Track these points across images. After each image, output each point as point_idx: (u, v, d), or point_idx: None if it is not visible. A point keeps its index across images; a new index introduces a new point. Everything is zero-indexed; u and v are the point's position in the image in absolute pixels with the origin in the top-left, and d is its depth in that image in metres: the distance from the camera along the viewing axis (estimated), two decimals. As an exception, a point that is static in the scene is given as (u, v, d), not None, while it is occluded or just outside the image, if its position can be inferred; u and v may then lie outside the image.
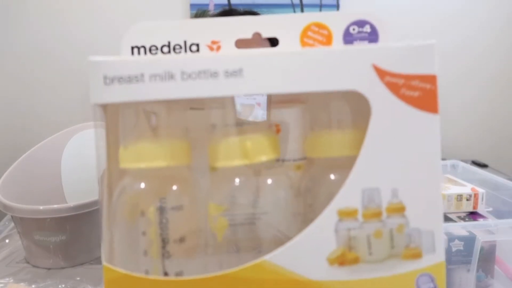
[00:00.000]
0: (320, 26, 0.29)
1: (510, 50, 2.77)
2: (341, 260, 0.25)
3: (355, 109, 0.27)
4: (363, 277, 0.25)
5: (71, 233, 1.26)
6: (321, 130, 0.28)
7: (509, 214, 1.13)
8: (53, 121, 2.57)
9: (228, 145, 0.26)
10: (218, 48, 0.28)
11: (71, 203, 1.24)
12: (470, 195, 1.10)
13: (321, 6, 2.61)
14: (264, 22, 0.29)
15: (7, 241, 1.45)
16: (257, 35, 0.29)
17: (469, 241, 0.98)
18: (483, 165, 2.58)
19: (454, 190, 1.12)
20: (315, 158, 0.28)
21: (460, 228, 1.01)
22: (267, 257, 0.25)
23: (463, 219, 1.07)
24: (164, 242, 0.26)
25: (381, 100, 0.25)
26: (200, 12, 2.54)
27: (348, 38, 0.29)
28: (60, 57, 2.53)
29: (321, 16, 0.29)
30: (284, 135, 0.30)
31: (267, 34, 0.29)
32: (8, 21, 2.46)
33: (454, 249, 0.99)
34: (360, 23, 0.31)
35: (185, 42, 0.28)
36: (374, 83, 0.25)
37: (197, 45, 0.28)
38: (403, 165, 0.25)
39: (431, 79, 0.26)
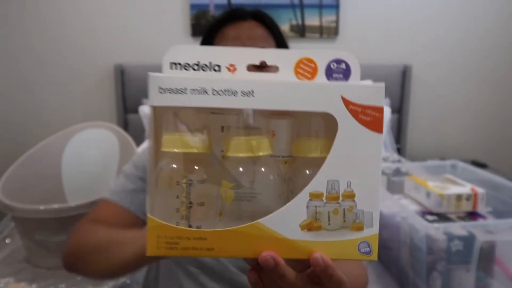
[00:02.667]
0: (309, 60, 0.40)
1: (508, 55, 2.77)
2: (309, 227, 0.37)
3: (327, 125, 0.39)
4: (323, 240, 0.38)
5: (72, 233, 1.26)
6: (303, 137, 0.40)
7: (508, 214, 1.14)
8: (53, 121, 2.57)
9: (238, 141, 0.38)
10: (234, 69, 0.40)
11: (72, 203, 1.24)
12: (470, 195, 1.10)
13: (321, 7, 2.61)
14: (269, 53, 0.40)
15: (7, 241, 1.45)
16: (263, 62, 0.41)
17: (468, 241, 0.98)
18: (483, 165, 2.58)
19: (454, 190, 1.12)
20: (297, 157, 0.40)
21: (460, 228, 1.01)
22: (260, 220, 0.37)
23: (463, 219, 1.07)
24: (190, 204, 0.38)
25: (345, 121, 0.37)
26: (200, 13, 2.55)
27: (329, 71, 0.40)
28: (60, 57, 2.52)
29: (311, 53, 0.40)
30: (278, 138, 0.41)
31: (270, 62, 0.40)
32: (9, 22, 2.46)
33: (454, 249, 0.99)
34: (338, 61, 0.40)
35: (210, 63, 0.40)
36: (341, 109, 0.37)
37: (219, 66, 0.40)
38: (356, 166, 0.37)
39: (380, 109, 0.37)
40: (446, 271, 1.00)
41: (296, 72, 0.40)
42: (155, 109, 0.38)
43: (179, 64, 0.40)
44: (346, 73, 0.40)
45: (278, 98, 0.37)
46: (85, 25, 2.40)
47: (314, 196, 0.37)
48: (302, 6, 2.45)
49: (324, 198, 0.37)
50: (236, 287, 0.76)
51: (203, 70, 0.39)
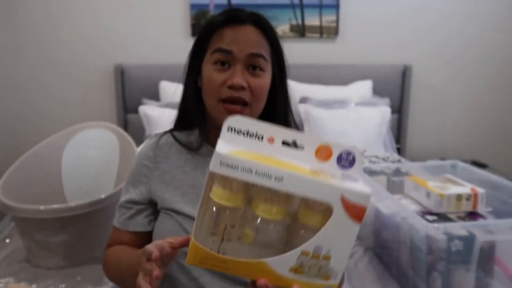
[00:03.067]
0: (327, 147, 0.55)
1: (508, 55, 2.77)
2: (295, 271, 0.53)
3: (327, 208, 0.52)
4: (302, 280, 0.54)
5: (72, 233, 1.26)
6: (308, 210, 0.54)
7: (508, 214, 1.14)
8: (53, 121, 2.57)
9: (264, 205, 0.54)
10: (273, 141, 0.55)
11: (72, 203, 1.24)
12: (470, 195, 1.10)
13: (321, 7, 2.61)
14: (299, 135, 0.56)
15: (7, 241, 1.45)
16: (294, 142, 0.56)
17: (468, 241, 0.98)
18: (483, 165, 2.58)
19: (454, 190, 1.12)
20: (300, 222, 0.54)
21: (460, 228, 1.01)
22: (265, 259, 0.54)
23: (463, 219, 1.07)
24: (222, 238, 0.54)
25: (338, 210, 0.51)
26: (200, 13, 2.54)
27: (340, 158, 0.55)
28: (61, 58, 2.52)
29: (329, 142, 0.55)
30: (290, 206, 0.55)
31: (300, 142, 0.56)
32: (9, 23, 2.46)
33: (453, 249, 0.99)
34: (348, 153, 0.55)
35: (256, 132, 0.55)
36: (338, 203, 0.51)
37: (262, 136, 0.55)
38: (336, 240, 0.52)
39: (363, 208, 0.51)
40: (446, 271, 1.00)
41: (316, 153, 0.55)
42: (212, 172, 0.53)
43: (234, 129, 0.55)
44: (351, 163, 0.55)
45: (299, 187, 0.51)
46: (85, 25, 2.40)
47: (304, 253, 0.53)
48: (302, 6, 2.45)
49: (310, 255, 0.53)
50: (228, 279, 0.78)
51: (250, 137, 0.55)
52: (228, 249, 0.54)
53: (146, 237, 0.86)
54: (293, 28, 2.46)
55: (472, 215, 1.09)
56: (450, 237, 0.99)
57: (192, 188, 0.83)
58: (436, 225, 0.97)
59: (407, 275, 1.09)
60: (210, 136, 0.86)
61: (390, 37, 2.53)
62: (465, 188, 1.13)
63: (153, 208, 0.87)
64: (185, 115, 0.89)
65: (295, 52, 2.50)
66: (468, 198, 1.10)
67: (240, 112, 0.77)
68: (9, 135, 2.50)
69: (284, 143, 0.55)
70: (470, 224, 1.03)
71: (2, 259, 1.30)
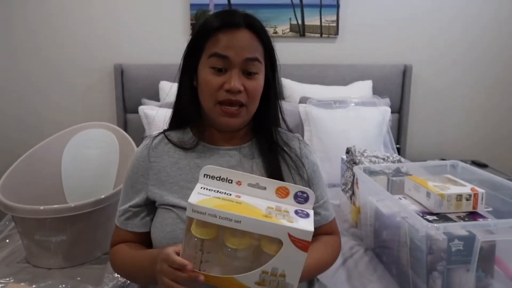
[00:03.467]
0: (284, 188, 0.70)
1: (508, 55, 2.77)
2: (259, 284, 0.67)
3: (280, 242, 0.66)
4: None
5: (72, 233, 1.26)
6: (267, 241, 0.66)
7: (508, 214, 1.13)
8: (53, 121, 2.57)
9: (232, 239, 0.67)
10: (240, 183, 0.71)
11: (72, 203, 1.24)
12: (470, 195, 1.10)
13: (321, 6, 2.61)
14: (262, 180, 0.71)
15: (7, 241, 1.45)
16: (257, 184, 0.71)
17: (468, 241, 0.98)
18: (483, 165, 2.59)
19: (454, 190, 1.12)
20: (262, 249, 0.67)
21: (460, 228, 1.01)
22: (235, 276, 0.68)
23: (463, 219, 1.07)
24: (201, 261, 0.68)
25: (287, 244, 0.65)
26: (200, 13, 2.55)
27: (296, 196, 0.70)
28: (60, 58, 2.52)
29: (286, 184, 0.71)
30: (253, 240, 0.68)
31: (262, 185, 0.71)
32: (9, 22, 2.46)
33: (454, 249, 0.99)
34: (302, 192, 0.70)
35: (226, 178, 0.71)
36: (286, 238, 0.65)
37: (232, 180, 0.71)
38: (289, 263, 0.66)
39: (307, 242, 0.64)
40: (446, 271, 1.00)
41: (276, 193, 0.70)
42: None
43: (209, 175, 0.71)
44: (306, 199, 0.70)
45: (254, 227, 0.65)
46: (85, 25, 2.40)
47: (265, 272, 0.67)
48: (302, 6, 2.45)
49: (269, 273, 0.67)
50: None
51: (222, 181, 0.70)
52: (207, 267, 0.68)
53: (145, 235, 0.91)
54: (293, 28, 2.46)
55: (472, 215, 1.09)
56: (450, 237, 0.99)
57: (188, 183, 0.87)
58: (436, 225, 0.97)
59: (407, 275, 1.09)
60: (206, 133, 0.90)
61: (390, 37, 2.53)
62: (465, 188, 1.13)
63: (149, 209, 0.90)
64: (180, 114, 0.93)
65: (295, 52, 2.52)
66: (468, 198, 1.10)
67: (237, 114, 0.83)
68: (9, 135, 2.50)
69: (250, 184, 0.71)
70: (470, 224, 1.03)
71: (2, 259, 1.30)
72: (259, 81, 0.84)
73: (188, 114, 0.90)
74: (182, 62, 0.89)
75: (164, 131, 0.94)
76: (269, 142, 0.90)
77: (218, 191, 0.69)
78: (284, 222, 0.65)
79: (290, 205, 0.69)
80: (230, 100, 0.81)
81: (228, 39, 0.81)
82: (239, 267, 0.68)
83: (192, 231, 0.66)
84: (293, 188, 0.69)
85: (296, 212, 0.68)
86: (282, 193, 0.70)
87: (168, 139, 0.90)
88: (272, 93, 0.89)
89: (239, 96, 0.81)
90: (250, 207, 0.67)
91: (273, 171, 0.88)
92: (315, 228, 0.94)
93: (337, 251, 0.96)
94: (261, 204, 0.68)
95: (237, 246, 0.67)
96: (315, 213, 0.92)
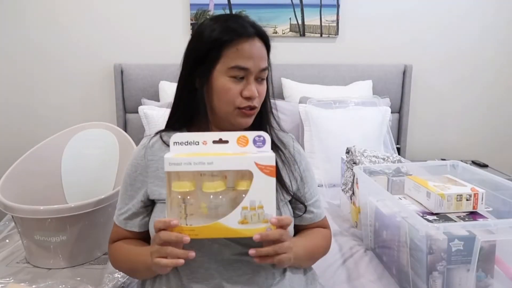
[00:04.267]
0: (243, 137, 0.78)
1: (508, 55, 2.76)
2: (242, 222, 0.73)
3: (250, 173, 0.73)
4: (249, 228, 0.73)
5: (71, 233, 1.26)
6: (240, 180, 0.74)
7: (509, 214, 1.13)
8: (53, 121, 2.58)
9: (208, 184, 0.74)
10: (206, 143, 0.77)
11: (72, 203, 1.24)
12: (470, 195, 1.10)
13: (321, 6, 2.61)
14: (222, 134, 0.78)
15: (7, 241, 1.45)
16: (220, 139, 0.78)
17: (469, 241, 0.98)
18: (483, 165, 2.59)
19: (454, 190, 1.12)
20: (237, 190, 0.75)
21: (460, 228, 1.01)
22: (219, 220, 0.73)
23: (463, 219, 1.07)
24: (186, 214, 0.74)
25: (257, 172, 0.73)
26: (200, 13, 2.55)
27: (255, 142, 0.78)
28: (60, 58, 2.52)
29: (245, 133, 0.78)
30: (229, 179, 0.76)
31: (224, 139, 0.78)
32: (9, 22, 2.46)
33: (454, 249, 0.99)
34: (259, 136, 0.77)
35: (193, 140, 0.77)
36: (255, 167, 0.73)
37: (198, 142, 0.77)
38: (262, 193, 0.73)
39: (272, 167, 0.73)
40: (446, 271, 1.00)
41: (238, 143, 0.77)
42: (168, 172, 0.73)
43: (178, 142, 0.77)
44: (263, 142, 0.77)
45: (225, 164, 0.73)
46: (85, 25, 2.40)
47: (244, 208, 0.73)
48: (302, 6, 2.45)
49: (248, 208, 0.73)
50: (224, 259, 0.86)
51: (190, 144, 0.77)
52: (193, 221, 0.74)
53: (144, 234, 0.95)
54: (293, 28, 2.46)
55: (472, 215, 1.09)
56: (450, 237, 0.99)
57: None
58: (436, 225, 0.97)
59: (407, 275, 1.09)
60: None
61: (390, 37, 2.53)
62: (465, 188, 1.13)
63: (149, 210, 0.93)
64: (178, 115, 0.96)
65: (295, 52, 2.52)
66: (468, 198, 1.10)
67: (252, 114, 0.92)
68: (9, 135, 2.50)
69: (215, 141, 0.77)
70: (470, 224, 1.03)
71: (2, 259, 1.30)
72: (265, 86, 0.93)
73: (187, 115, 0.94)
74: (183, 64, 0.92)
75: (161, 131, 0.97)
76: None
77: (189, 151, 0.77)
78: (250, 155, 0.73)
79: (252, 150, 0.77)
80: (249, 106, 0.89)
81: (247, 51, 0.87)
82: (223, 214, 0.73)
83: (173, 188, 0.73)
84: (251, 134, 0.77)
85: (258, 152, 0.76)
86: (242, 142, 0.77)
87: (164, 141, 0.94)
88: (268, 93, 0.96)
89: (254, 101, 0.90)
90: (218, 153, 0.75)
91: None
92: (309, 225, 0.99)
93: (329, 242, 1.03)
94: (227, 151, 0.77)
95: (215, 190, 0.73)
96: (308, 211, 0.99)
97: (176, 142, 0.77)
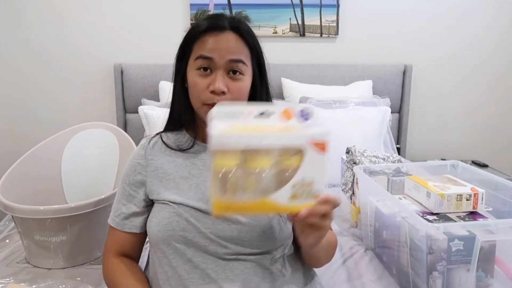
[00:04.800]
0: (289, 110, 0.73)
1: (508, 55, 2.77)
2: (291, 197, 0.70)
3: (301, 151, 0.70)
4: (300, 204, 0.71)
5: (72, 233, 1.26)
6: (288, 156, 0.70)
7: (509, 214, 1.13)
8: (53, 121, 2.58)
9: (255, 162, 0.71)
10: (249, 115, 0.73)
11: (72, 203, 1.24)
12: (470, 195, 1.10)
13: (321, 6, 2.61)
14: (266, 107, 0.73)
15: (7, 241, 1.45)
16: (263, 112, 0.73)
17: (469, 240, 0.98)
18: (483, 165, 2.59)
19: (454, 190, 1.12)
20: (286, 166, 0.71)
21: (460, 228, 1.01)
22: (267, 197, 0.70)
23: (463, 219, 1.07)
24: (233, 191, 0.70)
25: (308, 149, 0.69)
26: (200, 13, 2.55)
27: (301, 115, 0.73)
28: (60, 58, 2.52)
29: (290, 105, 0.73)
30: (275, 158, 0.72)
31: (268, 112, 0.73)
32: (8, 22, 2.46)
33: (454, 249, 0.99)
34: (306, 109, 0.73)
35: (236, 112, 0.73)
36: (307, 145, 0.69)
37: (241, 113, 0.73)
38: (314, 168, 0.70)
39: (326, 142, 0.70)
40: (446, 271, 1.00)
41: (281, 116, 0.73)
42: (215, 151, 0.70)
43: (221, 115, 0.72)
44: (309, 116, 0.73)
45: (276, 141, 0.70)
46: (85, 25, 2.40)
47: (294, 185, 0.71)
48: (302, 6, 2.45)
49: (299, 186, 0.70)
50: (220, 259, 0.84)
51: (231, 117, 0.72)
52: (239, 197, 0.71)
53: (142, 237, 0.94)
54: (293, 28, 2.46)
55: (472, 215, 1.09)
56: (450, 237, 0.99)
57: (184, 179, 0.89)
58: (436, 225, 0.97)
59: (407, 275, 1.09)
60: (200, 133, 0.93)
61: (390, 37, 2.53)
62: (466, 188, 1.13)
63: (149, 210, 0.92)
64: (175, 116, 0.96)
65: (295, 52, 2.52)
66: (468, 198, 1.10)
67: None
68: (9, 135, 2.50)
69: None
70: (470, 224, 1.03)
71: (2, 259, 1.30)
72: (244, 83, 0.87)
73: (181, 116, 0.93)
74: (174, 64, 0.93)
75: (161, 132, 0.97)
76: None
77: (231, 124, 0.73)
78: (301, 131, 0.71)
79: (297, 124, 0.74)
80: (214, 102, 0.84)
81: (213, 41, 0.85)
82: (268, 190, 0.71)
83: (218, 163, 0.69)
84: (296, 108, 0.74)
85: (306, 126, 0.73)
86: (287, 115, 0.73)
87: (164, 142, 0.93)
88: (259, 94, 0.92)
89: (223, 97, 0.85)
90: (265, 128, 0.72)
91: None
92: None
93: (336, 244, 1.02)
94: (273, 125, 0.73)
95: (263, 166, 0.70)
96: None
97: (217, 115, 0.73)
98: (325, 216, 0.73)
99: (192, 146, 0.92)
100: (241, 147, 0.68)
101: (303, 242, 0.79)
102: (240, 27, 0.87)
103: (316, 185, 0.71)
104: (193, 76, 0.86)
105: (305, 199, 0.71)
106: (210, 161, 0.69)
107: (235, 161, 0.69)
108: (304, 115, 0.73)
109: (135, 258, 0.96)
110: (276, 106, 0.74)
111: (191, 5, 2.41)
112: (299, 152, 0.70)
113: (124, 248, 0.93)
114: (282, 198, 0.71)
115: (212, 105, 0.84)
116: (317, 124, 0.73)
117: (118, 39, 2.41)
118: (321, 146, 0.70)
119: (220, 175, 0.69)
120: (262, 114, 0.74)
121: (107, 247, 0.94)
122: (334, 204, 0.73)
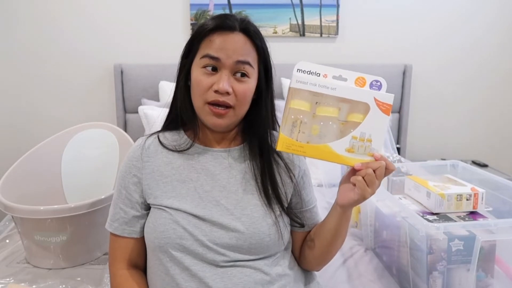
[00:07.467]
0: (362, 78, 0.80)
1: (508, 55, 2.76)
2: (349, 151, 0.79)
3: (366, 109, 0.80)
4: (354, 157, 0.79)
5: (72, 233, 1.26)
6: (354, 112, 0.80)
7: (509, 214, 1.14)
8: (53, 121, 2.58)
9: (323, 108, 0.80)
10: (326, 76, 0.80)
11: (71, 203, 1.24)
12: (470, 195, 1.10)
13: (321, 6, 2.61)
14: (343, 71, 0.80)
15: (7, 241, 1.45)
16: (340, 76, 0.81)
17: (469, 240, 0.98)
18: (483, 165, 2.59)
19: (454, 190, 1.12)
20: (350, 121, 0.80)
21: (460, 228, 1.01)
22: (328, 143, 0.79)
23: (463, 218, 1.07)
24: (299, 131, 0.80)
25: (373, 107, 0.79)
26: (200, 13, 2.55)
27: (372, 85, 0.80)
28: (60, 58, 2.52)
29: (363, 75, 0.81)
30: (341, 110, 0.81)
31: (343, 77, 0.81)
32: (8, 22, 2.46)
33: (454, 249, 0.99)
34: (376, 81, 0.80)
35: (315, 71, 0.80)
36: (373, 102, 0.79)
37: (319, 73, 0.81)
38: (374, 128, 0.79)
39: (389, 105, 0.79)
40: (446, 271, 1.00)
41: (356, 82, 0.80)
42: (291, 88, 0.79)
43: (302, 69, 0.80)
44: (380, 86, 0.80)
45: (347, 93, 0.78)
46: (85, 25, 2.40)
47: (354, 137, 0.78)
48: (302, 6, 2.45)
49: (358, 139, 0.78)
50: (218, 266, 0.82)
51: (312, 74, 0.80)
52: (303, 138, 0.79)
53: (142, 240, 0.91)
54: (293, 28, 2.46)
55: (472, 215, 1.09)
56: (450, 237, 0.99)
57: (182, 183, 0.87)
58: (436, 225, 0.97)
59: (407, 275, 1.09)
60: (200, 134, 0.90)
61: (390, 37, 2.53)
62: (466, 188, 1.13)
63: (145, 213, 0.90)
64: (175, 115, 0.93)
65: (295, 52, 2.52)
66: (468, 198, 1.10)
67: (224, 114, 0.84)
68: (9, 135, 2.50)
69: (334, 77, 0.81)
70: (470, 224, 1.03)
71: (2, 259, 1.30)
72: (249, 85, 0.85)
73: (183, 115, 0.90)
74: (179, 62, 0.91)
75: (158, 132, 0.94)
76: (260, 145, 0.90)
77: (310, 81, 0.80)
78: (371, 90, 0.78)
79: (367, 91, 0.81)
80: (217, 101, 0.82)
81: (221, 41, 0.83)
82: (331, 140, 0.78)
83: (292, 106, 0.78)
84: (369, 77, 0.80)
85: (371, 85, 0.80)
86: (360, 82, 0.80)
87: (161, 142, 0.91)
88: (264, 97, 0.90)
89: (227, 97, 0.83)
90: (339, 83, 0.79)
91: (264, 175, 0.88)
92: (311, 228, 0.97)
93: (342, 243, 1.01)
94: (347, 85, 0.80)
95: (330, 114, 0.78)
96: (311, 217, 0.95)
97: (299, 69, 0.79)
98: (376, 175, 0.76)
99: (190, 147, 0.89)
100: (316, 90, 0.77)
101: (340, 199, 0.82)
102: (249, 29, 0.86)
103: (374, 143, 0.78)
104: (198, 74, 0.84)
105: (361, 155, 0.78)
106: (287, 100, 0.77)
107: (307, 105, 0.78)
108: (374, 86, 0.80)
109: (142, 264, 0.93)
110: (351, 72, 0.80)
111: (191, 5, 2.41)
112: (365, 108, 0.77)
113: (130, 256, 0.90)
114: (339, 147, 0.78)
115: (214, 104, 0.82)
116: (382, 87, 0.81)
117: (118, 40, 2.41)
118: (385, 108, 0.78)
119: (292, 116, 0.78)
120: (339, 76, 0.80)
121: (112, 257, 0.91)
122: (389, 166, 0.77)
